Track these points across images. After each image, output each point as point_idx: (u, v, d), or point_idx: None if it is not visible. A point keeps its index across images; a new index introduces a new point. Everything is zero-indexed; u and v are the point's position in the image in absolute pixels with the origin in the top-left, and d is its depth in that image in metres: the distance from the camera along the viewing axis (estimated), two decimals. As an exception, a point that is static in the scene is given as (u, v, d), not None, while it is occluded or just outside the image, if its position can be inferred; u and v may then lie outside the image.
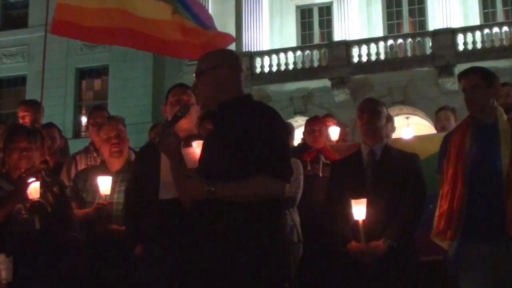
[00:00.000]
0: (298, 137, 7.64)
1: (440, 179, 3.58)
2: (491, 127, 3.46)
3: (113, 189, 4.11)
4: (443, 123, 5.81)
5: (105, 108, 5.69)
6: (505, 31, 19.06)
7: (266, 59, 20.72)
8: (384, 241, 3.70)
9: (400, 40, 19.92)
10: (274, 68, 20.54)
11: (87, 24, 5.98)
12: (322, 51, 20.46)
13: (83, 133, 20.98)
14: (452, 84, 17.95)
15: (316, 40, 21.78)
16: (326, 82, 19.89)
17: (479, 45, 18.96)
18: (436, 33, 19.34)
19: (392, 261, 3.69)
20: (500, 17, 20.41)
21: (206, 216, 2.63)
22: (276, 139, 2.64)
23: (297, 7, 22.08)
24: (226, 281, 2.55)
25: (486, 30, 19.22)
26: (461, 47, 19.04)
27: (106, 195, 4.06)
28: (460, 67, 16.47)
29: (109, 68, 22.23)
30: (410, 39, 19.86)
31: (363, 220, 3.64)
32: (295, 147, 5.89)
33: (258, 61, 20.60)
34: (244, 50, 20.91)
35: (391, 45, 19.88)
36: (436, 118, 6.08)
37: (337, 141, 6.11)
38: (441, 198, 3.50)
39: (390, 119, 5.03)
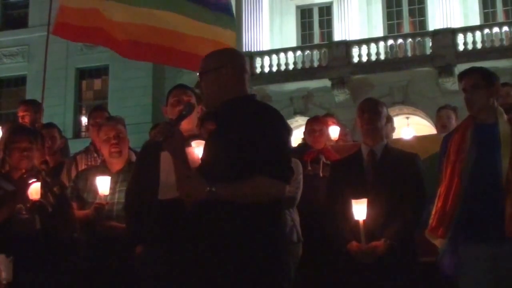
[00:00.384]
0: (298, 137, 7.64)
1: (440, 179, 3.58)
2: (491, 127, 3.47)
3: (113, 189, 4.11)
4: (444, 122, 5.80)
5: (105, 109, 5.68)
6: (505, 31, 19.06)
7: (266, 59, 20.72)
8: (384, 241, 3.70)
9: (400, 40, 19.92)
10: (274, 68, 20.54)
11: (89, 25, 5.98)
12: (322, 51, 20.46)
13: (83, 133, 20.99)
14: (452, 84, 17.94)
15: (316, 40, 21.78)
16: (326, 82, 19.89)
17: (479, 45, 18.96)
18: (436, 33, 19.34)
19: (392, 261, 3.69)
20: (500, 17, 20.41)
21: (206, 216, 2.63)
22: (276, 140, 2.63)
23: (297, 7, 22.08)
24: (226, 281, 2.55)
25: (486, 30, 19.22)
26: (461, 47, 19.04)
27: (105, 195, 4.06)
28: (460, 67, 16.47)
29: (109, 68, 22.22)
30: (410, 39, 19.86)
31: (363, 220, 3.64)
32: (295, 147, 5.89)
33: (258, 61, 20.60)
34: (244, 50, 20.89)
35: (391, 45, 19.88)
36: (437, 117, 6.08)
37: (336, 141, 6.12)
38: (437, 197, 3.51)
39: (390, 120, 5.04)
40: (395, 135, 6.29)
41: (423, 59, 19.31)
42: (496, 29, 19.21)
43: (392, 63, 19.49)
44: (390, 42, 19.96)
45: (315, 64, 20.29)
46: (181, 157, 2.76)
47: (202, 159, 2.81)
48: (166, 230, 3.40)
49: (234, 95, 2.75)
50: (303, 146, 5.67)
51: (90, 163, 4.96)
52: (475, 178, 3.40)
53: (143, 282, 3.54)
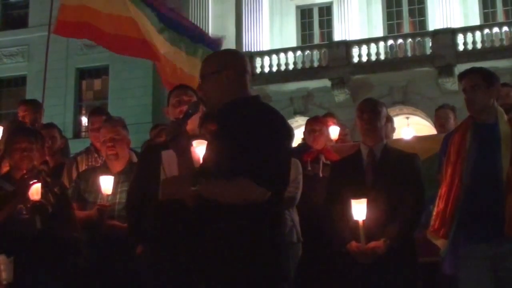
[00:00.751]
0: (298, 137, 7.64)
1: (440, 179, 3.59)
2: (492, 127, 3.47)
3: (115, 189, 4.11)
4: (443, 121, 5.81)
5: (103, 111, 5.66)
6: (505, 31, 19.07)
7: (266, 59, 20.72)
8: (384, 241, 3.71)
9: (400, 40, 19.92)
10: (274, 68, 20.55)
11: (91, 22, 6.00)
12: (322, 51, 20.46)
13: (83, 133, 20.99)
14: (452, 84, 17.95)
15: (316, 40, 21.78)
16: (326, 82, 19.90)
17: (479, 45, 18.97)
18: (436, 33, 19.35)
19: (392, 261, 3.69)
20: (500, 17, 20.41)
21: (206, 216, 2.64)
22: (271, 145, 2.59)
23: (297, 7, 22.09)
24: (226, 281, 2.56)
25: (486, 30, 19.23)
26: (461, 47, 19.05)
27: (107, 195, 4.06)
28: (460, 67, 16.48)
29: (109, 68, 22.22)
30: (410, 39, 19.87)
31: (363, 220, 3.64)
32: (295, 147, 5.89)
33: (258, 61, 20.61)
34: (244, 50, 20.90)
35: (391, 45, 19.89)
36: (436, 116, 6.08)
37: (336, 141, 6.12)
38: (438, 198, 3.51)
39: (389, 120, 5.04)
40: (395, 135, 6.30)
41: (423, 59, 19.32)
42: (496, 29, 19.22)
43: (392, 63, 19.50)
44: (390, 42, 19.97)
45: (315, 64, 20.30)
46: (187, 156, 2.76)
47: (203, 159, 2.81)
48: (166, 230, 3.40)
49: (235, 97, 2.74)
50: (303, 146, 5.67)
51: (91, 163, 4.96)
52: (475, 178, 3.40)
53: (144, 282, 3.55)
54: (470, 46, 19.02)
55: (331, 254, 4.13)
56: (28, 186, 3.69)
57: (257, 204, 2.57)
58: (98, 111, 5.57)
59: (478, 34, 19.15)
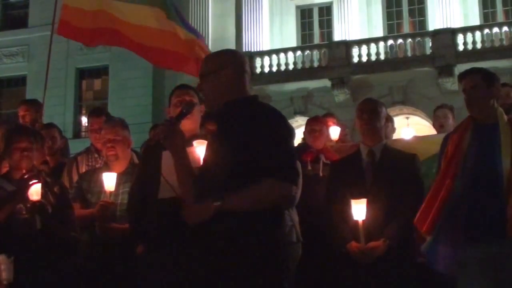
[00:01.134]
0: (298, 137, 7.64)
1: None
2: (492, 127, 3.47)
3: (116, 190, 4.11)
4: (441, 121, 5.81)
5: (103, 112, 5.66)
6: (505, 31, 19.07)
7: (266, 59, 20.72)
8: (383, 241, 3.71)
9: (400, 40, 19.92)
10: (274, 68, 20.55)
11: (88, 27, 6.01)
12: (322, 51, 20.46)
13: (83, 133, 21.00)
14: (452, 84, 17.95)
15: (316, 40, 21.78)
16: (326, 82, 19.90)
17: (479, 45, 18.97)
18: (436, 33, 19.35)
19: (391, 261, 3.69)
20: (500, 17, 20.41)
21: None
22: (283, 142, 2.63)
23: (297, 7, 22.09)
24: (227, 281, 2.56)
25: (486, 30, 19.22)
26: (461, 47, 19.04)
27: (111, 192, 4.05)
28: (460, 67, 16.49)
29: (109, 68, 22.24)
30: (410, 39, 19.87)
31: (363, 220, 3.64)
32: (295, 147, 5.88)
33: (258, 61, 20.60)
34: (244, 50, 20.90)
35: (391, 45, 19.89)
36: (434, 116, 6.08)
37: (337, 141, 6.11)
38: (429, 193, 3.53)
39: (390, 120, 5.04)
40: (395, 135, 6.30)
41: (423, 59, 19.32)
42: (496, 29, 19.22)
43: (392, 63, 19.50)
44: (390, 42, 19.97)
45: (315, 64, 20.30)
46: (182, 155, 2.75)
47: (204, 159, 2.81)
48: (166, 230, 3.40)
49: (235, 96, 2.74)
50: (303, 146, 5.67)
51: (91, 163, 4.96)
52: (475, 178, 3.40)
53: (144, 282, 3.55)
54: (470, 46, 19.02)
55: (331, 254, 4.13)
56: (27, 186, 3.69)
57: (280, 204, 2.60)
58: (97, 112, 5.57)
59: (478, 34, 19.15)
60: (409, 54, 19.62)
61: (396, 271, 3.73)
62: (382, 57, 19.76)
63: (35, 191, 3.69)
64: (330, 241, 4.03)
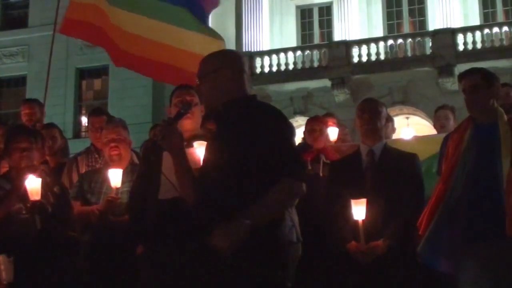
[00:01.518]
0: (298, 137, 7.64)
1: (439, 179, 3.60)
2: (491, 127, 3.47)
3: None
4: (442, 122, 5.81)
5: (103, 112, 5.66)
6: (505, 31, 19.07)
7: (266, 59, 20.72)
8: (383, 241, 3.71)
9: (400, 40, 19.92)
10: (274, 68, 20.55)
11: (95, 23, 5.98)
12: (322, 51, 20.46)
13: (83, 133, 20.98)
14: (452, 84, 17.95)
15: (316, 40, 21.78)
16: (326, 82, 19.90)
17: (479, 45, 18.97)
18: (436, 33, 19.35)
19: (391, 261, 3.69)
20: (500, 17, 20.41)
21: (206, 216, 2.64)
22: (287, 140, 2.64)
23: (297, 7, 22.09)
24: (228, 280, 2.56)
25: (486, 30, 19.23)
26: (461, 47, 19.05)
27: (117, 188, 4.05)
28: (460, 67, 16.49)
29: (109, 68, 22.20)
30: (410, 39, 19.87)
31: (363, 220, 3.65)
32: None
33: (258, 61, 20.61)
34: (244, 50, 20.90)
35: (391, 45, 19.89)
36: (435, 117, 6.08)
37: (335, 142, 6.11)
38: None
39: (390, 120, 5.04)
40: (395, 135, 6.29)
41: (423, 59, 19.32)
42: (496, 29, 19.22)
43: (392, 63, 19.50)
44: (390, 42, 19.97)
45: (315, 64, 20.30)
46: (180, 155, 2.75)
47: (204, 160, 2.80)
48: (166, 230, 3.40)
49: (234, 96, 2.74)
50: (303, 145, 5.67)
51: (91, 163, 4.96)
52: (475, 178, 3.41)
53: (144, 282, 3.55)
54: (470, 46, 19.02)
55: (331, 254, 4.13)
56: (24, 181, 3.68)
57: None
58: (98, 111, 5.58)
59: (478, 34, 19.15)
60: (409, 54, 19.62)
61: (396, 271, 3.73)
62: (382, 57, 19.76)
63: (35, 190, 3.69)
64: (330, 241, 4.02)
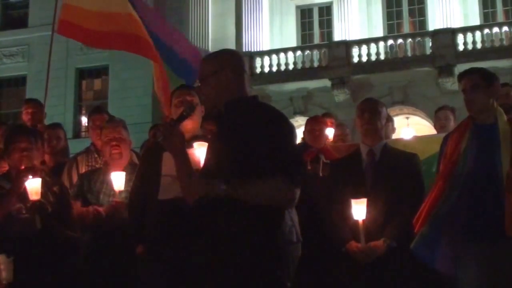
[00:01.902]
0: (298, 137, 7.63)
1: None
2: (491, 127, 3.47)
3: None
4: (443, 122, 5.81)
5: (104, 110, 5.69)
6: (505, 31, 19.07)
7: (266, 59, 20.72)
8: (383, 241, 3.71)
9: (400, 40, 19.92)
10: (274, 68, 20.55)
11: (89, 27, 5.99)
12: (322, 51, 20.46)
13: (83, 133, 20.98)
14: (452, 84, 17.94)
15: (316, 40, 21.78)
16: (326, 82, 19.90)
17: (479, 45, 18.97)
18: (436, 33, 19.36)
19: (391, 261, 3.69)
20: (500, 17, 20.41)
21: (206, 216, 2.64)
22: (286, 142, 2.63)
23: (297, 7, 22.09)
24: (227, 281, 2.56)
25: (486, 30, 19.23)
26: (461, 47, 19.05)
27: (120, 191, 4.05)
28: (460, 67, 16.47)
29: (109, 68, 22.21)
30: (410, 39, 19.87)
31: (363, 220, 3.65)
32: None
33: (258, 61, 20.61)
34: (244, 50, 20.91)
35: (391, 45, 19.89)
36: (436, 117, 6.09)
37: (336, 141, 6.11)
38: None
39: (390, 120, 5.04)
40: (395, 135, 6.30)
41: (423, 59, 19.32)
42: (496, 29, 19.22)
43: (392, 63, 19.50)
44: (390, 42, 19.97)
45: (315, 64, 20.30)
46: (182, 156, 2.76)
47: (205, 160, 2.81)
48: (166, 230, 3.41)
49: (235, 96, 2.75)
50: (303, 146, 5.67)
51: (91, 163, 4.96)
52: (475, 178, 3.41)
53: (144, 282, 3.55)
54: (470, 46, 19.02)
55: (331, 254, 4.13)
56: (23, 181, 3.68)
57: (282, 205, 2.59)
58: (99, 110, 5.61)
59: (478, 34, 19.16)
60: (409, 54, 19.62)
61: (396, 271, 3.73)
62: (382, 57, 19.76)
63: (34, 190, 3.69)
64: (330, 241, 4.02)
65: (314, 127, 5.40)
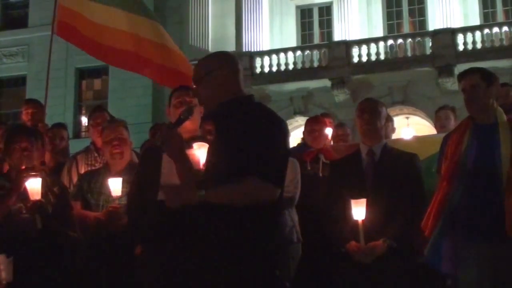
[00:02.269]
0: (298, 137, 7.65)
1: (438, 179, 3.60)
2: (491, 127, 3.47)
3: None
4: (443, 122, 5.81)
5: (105, 109, 5.71)
6: (505, 31, 19.07)
7: (266, 59, 20.72)
8: (383, 241, 3.71)
9: (400, 40, 19.92)
10: (274, 68, 20.55)
11: (87, 34, 6.00)
12: (322, 51, 20.46)
13: (83, 133, 20.98)
14: (452, 84, 17.94)
15: (316, 40, 21.78)
16: (326, 82, 19.90)
17: (479, 45, 18.97)
18: (436, 33, 19.35)
19: (391, 261, 3.69)
20: (500, 17, 20.41)
21: (205, 217, 2.64)
22: (269, 142, 2.62)
23: (297, 7, 22.09)
24: (225, 281, 2.56)
25: (486, 30, 19.22)
26: (461, 47, 19.04)
27: (117, 196, 4.06)
28: (460, 67, 16.47)
29: (109, 68, 22.18)
30: (410, 39, 19.87)
31: (363, 220, 3.64)
32: (294, 147, 5.89)
33: (258, 61, 20.61)
34: (244, 50, 20.93)
35: (391, 45, 19.89)
36: (436, 117, 6.09)
37: (338, 141, 6.12)
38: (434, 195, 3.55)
39: (390, 120, 5.04)
40: (395, 135, 6.30)
41: (423, 59, 19.32)
42: (496, 29, 19.21)
43: (392, 63, 19.50)
44: (390, 42, 19.97)
45: (315, 64, 20.30)
46: (182, 160, 2.77)
47: (206, 161, 2.83)
48: (165, 231, 3.41)
49: (230, 96, 2.77)
50: (302, 146, 5.67)
51: (90, 163, 4.97)
52: (475, 178, 3.41)
53: (143, 282, 3.55)
54: (470, 46, 19.02)
55: (331, 254, 4.13)
56: (23, 181, 3.68)
57: (262, 204, 2.58)
58: (100, 109, 5.64)
59: (478, 34, 19.15)
60: (409, 54, 19.62)
61: (396, 271, 3.72)
62: (382, 57, 19.76)
63: (35, 190, 3.69)
64: (330, 241, 4.02)
65: (314, 127, 5.41)
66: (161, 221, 3.41)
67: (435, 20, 20.15)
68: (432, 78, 19.08)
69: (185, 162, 2.75)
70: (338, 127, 6.85)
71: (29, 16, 23.25)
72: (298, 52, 20.68)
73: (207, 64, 2.86)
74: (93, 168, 4.81)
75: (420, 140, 5.48)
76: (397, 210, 3.73)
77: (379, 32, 20.90)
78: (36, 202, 3.69)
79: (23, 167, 3.82)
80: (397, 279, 3.72)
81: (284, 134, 2.73)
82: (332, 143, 6.09)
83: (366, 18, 21.13)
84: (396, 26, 21.28)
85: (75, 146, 6.70)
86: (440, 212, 3.45)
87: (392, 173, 3.84)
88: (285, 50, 20.71)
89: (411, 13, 21.26)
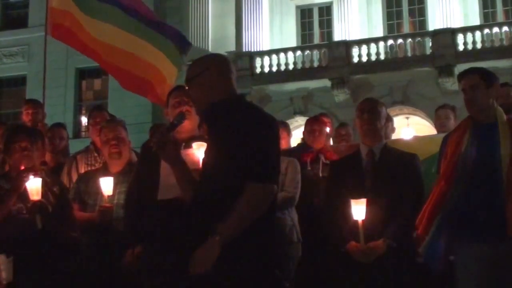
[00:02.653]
0: (298, 137, 7.64)
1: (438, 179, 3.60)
2: (491, 127, 3.47)
3: (114, 190, 4.12)
4: (443, 121, 5.82)
5: (105, 109, 5.73)
6: (505, 31, 19.07)
7: (266, 59, 20.72)
8: (383, 241, 3.71)
9: (400, 40, 19.92)
10: (274, 68, 20.55)
11: (81, 37, 6.01)
12: (322, 51, 20.46)
13: (83, 133, 20.99)
14: (452, 84, 17.94)
15: (316, 40, 21.78)
16: (326, 82, 19.90)
17: (479, 45, 18.97)
18: (436, 33, 19.35)
19: (391, 261, 3.69)
20: (500, 17, 20.41)
21: (204, 216, 2.64)
22: (260, 140, 2.62)
23: (297, 7, 22.09)
24: (224, 281, 2.56)
25: (486, 30, 19.22)
26: (461, 47, 19.04)
27: (108, 196, 4.06)
28: (460, 67, 16.47)
29: (109, 68, 22.20)
30: (410, 39, 19.87)
31: (363, 220, 3.64)
32: (294, 147, 5.89)
33: (258, 61, 20.61)
34: (244, 50, 20.93)
35: (391, 45, 19.89)
36: (436, 116, 6.09)
37: (339, 141, 6.13)
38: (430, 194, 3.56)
39: (389, 120, 5.04)
40: (395, 135, 6.30)
41: (423, 59, 19.32)
42: (496, 29, 19.21)
43: (392, 63, 19.49)
44: (390, 42, 19.97)
45: (315, 64, 20.30)
46: (177, 163, 2.79)
47: (203, 162, 2.84)
48: (164, 230, 3.41)
49: (222, 96, 2.79)
50: (302, 146, 5.68)
51: (90, 162, 4.97)
52: (475, 178, 3.41)
53: (142, 282, 3.55)
54: (470, 46, 19.02)
55: (331, 254, 4.13)
56: (23, 181, 3.68)
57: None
58: (100, 108, 5.65)
59: (478, 34, 19.15)
60: (409, 54, 19.62)
61: (396, 271, 3.72)
62: (382, 57, 19.76)
63: (35, 190, 3.69)
64: (330, 241, 4.02)
65: (314, 127, 5.41)
66: (161, 220, 3.41)
67: (435, 20, 20.15)
68: (432, 78, 19.08)
69: (181, 166, 2.77)
70: (340, 127, 6.86)
71: (29, 16, 23.26)
72: (298, 52, 20.67)
73: (198, 65, 2.88)
74: (93, 168, 4.81)
75: (420, 140, 5.49)
76: (397, 210, 3.73)
77: (379, 32, 20.90)
78: (36, 202, 3.69)
79: (23, 167, 3.82)
80: (397, 279, 3.72)
81: (274, 131, 2.73)
82: (331, 143, 6.10)
83: (366, 18, 21.13)
84: (396, 26, 21.28)
85: (75, 146, 6.71)
86: (435, 211, 3.45)
87: (392, 173, 3.84)
88: (285, 50, 20.70)
89: (411, 13, 21.26)
